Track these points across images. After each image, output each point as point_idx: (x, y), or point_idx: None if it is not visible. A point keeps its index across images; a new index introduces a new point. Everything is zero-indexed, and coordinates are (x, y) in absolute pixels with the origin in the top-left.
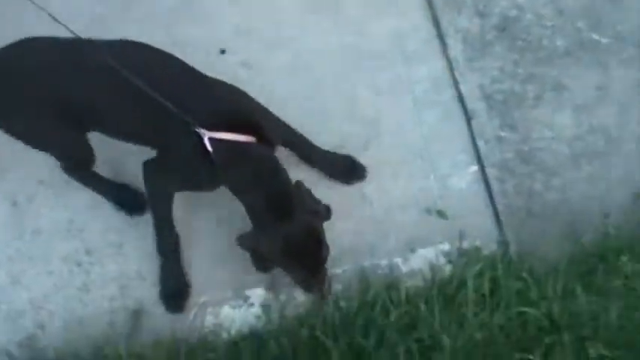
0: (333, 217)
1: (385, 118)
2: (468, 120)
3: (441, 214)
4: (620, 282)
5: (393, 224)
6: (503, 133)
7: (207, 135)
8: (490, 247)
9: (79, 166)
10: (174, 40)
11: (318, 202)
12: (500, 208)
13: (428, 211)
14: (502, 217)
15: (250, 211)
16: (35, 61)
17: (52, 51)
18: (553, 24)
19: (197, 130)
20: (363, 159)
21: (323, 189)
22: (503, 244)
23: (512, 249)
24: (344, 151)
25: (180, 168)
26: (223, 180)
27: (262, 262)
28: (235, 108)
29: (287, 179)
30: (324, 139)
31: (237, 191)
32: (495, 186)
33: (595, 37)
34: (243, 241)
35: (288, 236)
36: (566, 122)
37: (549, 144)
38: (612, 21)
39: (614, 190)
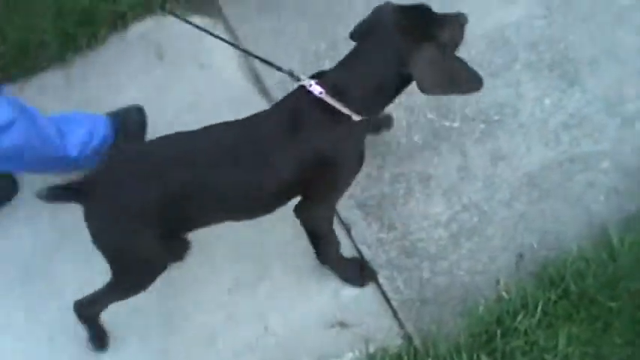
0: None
1: (270, 254)
2: (348, 230)
3: (343, 325)
4: (521, 341)
5: (300, 347)
6: (383, 235)
7: (312, 81)
8: (396, 343)
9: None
10: None
11: None
12: (395, 304)
13: (330, 325)
14: (400, 313)
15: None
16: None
17: (143, 156)
18: (407, 122)
19: (302, 81)
20: (259, 293)
21: (222, 327)
22: (407, 337)
23: (416, 340)
24: (240, 289)
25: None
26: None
27: None
28: None
29: None
30: (220, 279)
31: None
32: (387, 285)
33: (447, 124)
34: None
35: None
36: (439, 208)
37: (428, 232)
38: (458, 106)
39: (497, 257)
